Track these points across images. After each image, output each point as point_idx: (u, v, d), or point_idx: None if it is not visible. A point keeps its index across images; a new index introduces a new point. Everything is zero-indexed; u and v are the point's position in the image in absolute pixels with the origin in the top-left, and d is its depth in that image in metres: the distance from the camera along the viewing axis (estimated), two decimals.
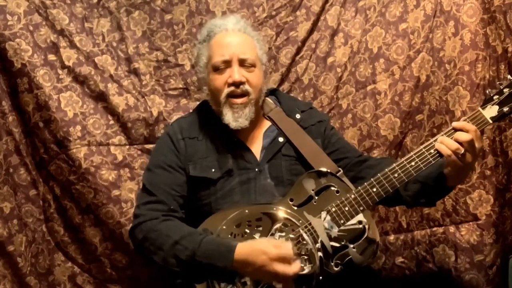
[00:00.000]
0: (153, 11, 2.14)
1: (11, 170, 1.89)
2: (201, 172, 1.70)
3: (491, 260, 1.77)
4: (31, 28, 1.94)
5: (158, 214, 1.62)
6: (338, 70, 2.11)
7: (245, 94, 1.69)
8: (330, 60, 2.13)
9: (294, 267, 1.47)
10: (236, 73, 1.67)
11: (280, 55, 2.16)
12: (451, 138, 1.46)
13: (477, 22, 1.76)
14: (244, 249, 1.49)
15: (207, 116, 1.78)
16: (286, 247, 1.49)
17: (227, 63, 1.68)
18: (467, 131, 1.45)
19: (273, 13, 2.16)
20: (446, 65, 1.83)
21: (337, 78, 2.11)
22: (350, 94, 2.08)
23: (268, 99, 1.84)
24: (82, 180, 1.96)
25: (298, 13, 2.16)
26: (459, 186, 1.80)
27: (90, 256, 2.03)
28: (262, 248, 1.47)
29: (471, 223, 1.79)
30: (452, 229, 1.83)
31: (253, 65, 1.70)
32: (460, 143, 1.45)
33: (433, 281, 1.88)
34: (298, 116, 1.80)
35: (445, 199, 1.84)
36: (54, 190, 2.00)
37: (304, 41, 2.15)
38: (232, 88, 1.67)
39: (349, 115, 2.07)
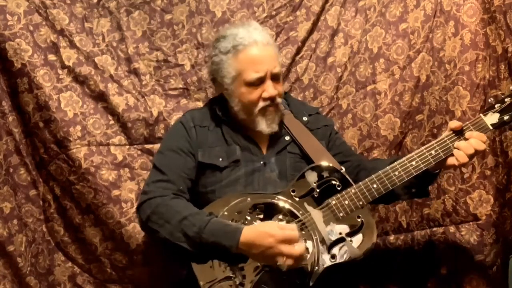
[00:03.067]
0: (153, 11, 2.14)
1: (11, 170, 1.89)
2: (209, 159, 1.75)
3: (491, 260, 1.77)
4: (31, 28, 1.94)
5: (168, 192, 1.66)
6: (338, 70, 2.11)
7: (276, 106, 1.76)
8: (330, 60, 2.13)
9: (299, 248, 1.51)
10: (271, 88, 1.71)
11: (280, 55, 2.16)
12: (455, 143, 1.53)
13: (477, 22, 1.76)
14: (251, 231, 1.53)
15: (219, 110, 1.82)
16: (291, 228, 1.53)
17: (261, 79, 1.71)
18: (481, 140, 1.52)
19: (273, 13, 2.16)
20: (446, 65, 1.83)
21: (337, 78, 2.11)
22: (350, 94, 2.08)
23: None
24: (82, 180, 1.96)
25: (298, 13, 2.16)
26: (459, 186, 1.80)
27: (90, 256, 2.03)
28: (268, 231, 1.51)
29: (471, 223, 1.79)
30: (452, 229, 1.83)
31: (280, 76, 1.77)
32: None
33: (433, 281, 1.88)
34: (305, 118, 1.86)
35: (445, 199, 1.84)
36: (54, 190, 2.00)
37: (304, 41, 2.15)
38: (268, 102, 1.72)
39: (349, 115, 2.07)
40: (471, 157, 1.52)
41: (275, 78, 1.73)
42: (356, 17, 2.10)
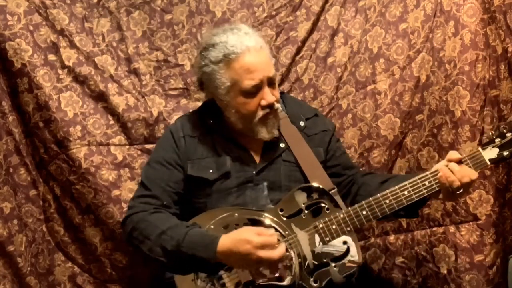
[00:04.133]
0: (153, 11, 2.14)
1: (11, 170, 1.89)
2: (198, 172, 1.71)
3: (491, 260, 1.77)
4: (31, 28, 1.94)
5: (150, 207, 1.64)
6: (338, 70, 2.11)
7: (276, 111, 1.69)
8: (330, 60, 2.13)
9: (278, 251, 1.48)
10: (269, 95, 1.64)
11: (280, 55, 2.16)
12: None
13: (477, 22, 1.76)
14: (228, 239, 1.50)
15: (209, 117, 1.77)
16: (269, 233, 1.50)
17: (258, 87, 1.64)
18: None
19: (273, 13, 2.16)
20: (446, 65, 1.83)
21: (337, 78, 2.11)
22: (350, 94, 2.08)
23: None
24: (82, 180, 1.96)
25: (298, 13, 2.16)
26: None
27: (90, 256, 2.03)
28: (245, 237, 1.48)
29: (471, 223, 1.79)
30: (452, 229, 1.83)
31: (275, 80, 1.69)
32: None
33: (433, 281, 1.88)
34: (302, 123, 1.79)
35: None
36: (54, 190, 2.00)
37: (304, 41, 2.15)
38: (267, 110, 1.66)
39: (349, 115, 2.07)
40: (465, 185, 1.48)
41: (271, 83, 1.66)
42: (356, 17, 2.10)
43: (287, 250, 1.56)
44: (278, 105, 1.69)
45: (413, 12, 1.95)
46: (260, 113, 1.65)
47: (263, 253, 1.46)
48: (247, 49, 1.62)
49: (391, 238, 2.02)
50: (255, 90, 1.63)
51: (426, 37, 1.92)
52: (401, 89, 1.96)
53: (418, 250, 1.93)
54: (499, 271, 1.78)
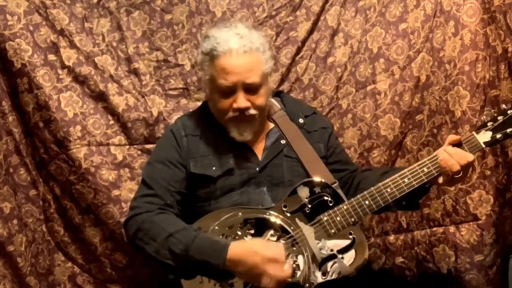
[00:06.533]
0: (153, 11, 2.14)
1: (11, 170, 1.89)
2: (201, 170, 1.71)
3: (491, 260, 1.77)
4: (31, 28, 1.94)
5: (154, 207, 1.64)
6: (338, 70, 2.11)
7: (250, 117, 1.68)
8: (330, 60, 2.13)
9: (285, 270, 1.49)
10: (241, 100, 1.64)
11: (280, 55, 2.16)
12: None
13: (477, 22, 1.76)
14: (237, 248, 1.51)
15: (211, 115, 1.78)
16: (279, 250, 1.51)
17: (232, 88, 1.64)
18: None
19: (273, 13, 2.16)
20: (446, 65, 1.83)
21: (337, 78, 2.11)
22: (350, 94, 2.08)
23: (273, 101, 1.84)
24: (82, 180, 1.96)
25: (298, 13, 2.16)
26: (459, 186, 1.80)
27: (90, 256, 2.03)
28: (255, 249, 1.50)
29: (471, 223, 1.79)
30: (452, 229, 1.83)
31: (259, 87, 1.66)
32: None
33: (433, 281, 1.88)
34: (301, 120, 1.81)
35: (445, 199, 1.84)
36: (54, 190, 2.00)
37: (304, 41, 2.15)
38: (237, 113, 1.66)
39: (349, 115, 2.07)
40: (463, 167, 1.48)
41: (249, 89, 1.64)
42: (356, 17, 2.10)
43: (293, 245, 1.56)
44: (253, 112, 1.67)
45: (413, 12, 1.95)
46: (231, 114, 1.67)
47: (270, 269, 1.47)
48: (229, 50, 1.63)
49: (391, 238, 2.02)
50: (228, 91, 1.65)
51: (426, 37, 1.92)
52: (401, 89, 1.96)
53: (418, 250, 1.93)
54: (499, 271, 1.78)
